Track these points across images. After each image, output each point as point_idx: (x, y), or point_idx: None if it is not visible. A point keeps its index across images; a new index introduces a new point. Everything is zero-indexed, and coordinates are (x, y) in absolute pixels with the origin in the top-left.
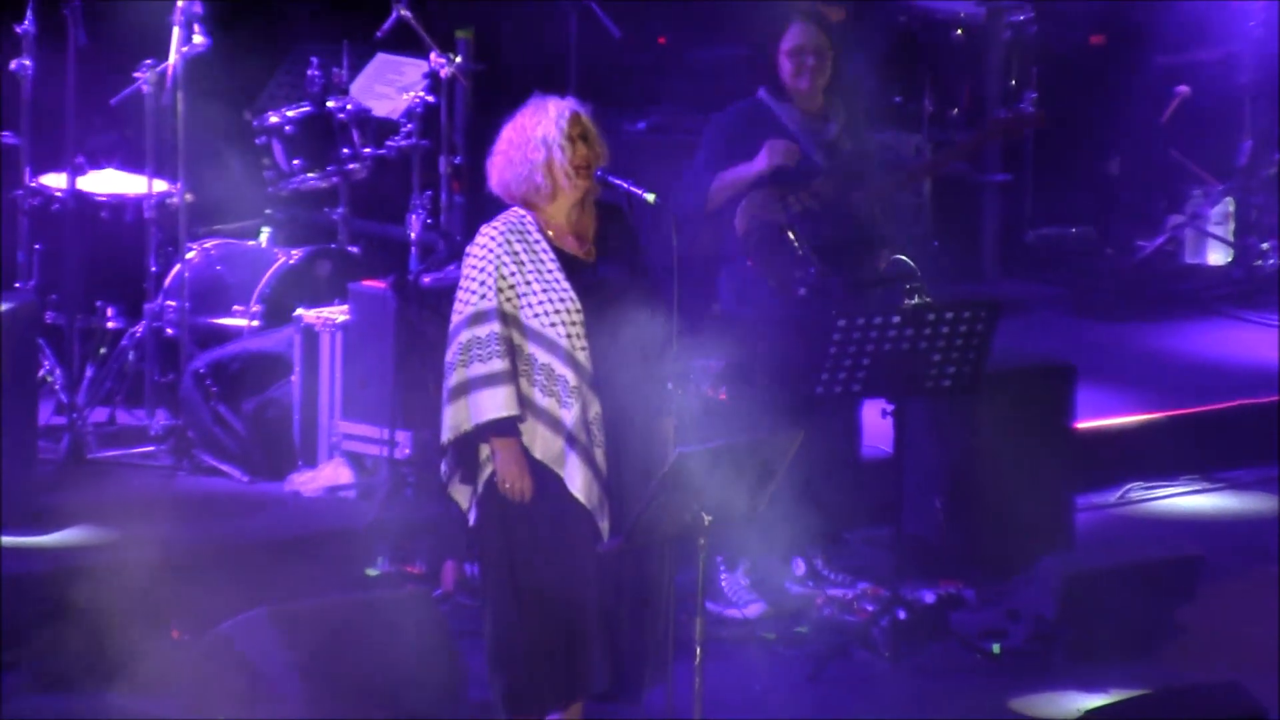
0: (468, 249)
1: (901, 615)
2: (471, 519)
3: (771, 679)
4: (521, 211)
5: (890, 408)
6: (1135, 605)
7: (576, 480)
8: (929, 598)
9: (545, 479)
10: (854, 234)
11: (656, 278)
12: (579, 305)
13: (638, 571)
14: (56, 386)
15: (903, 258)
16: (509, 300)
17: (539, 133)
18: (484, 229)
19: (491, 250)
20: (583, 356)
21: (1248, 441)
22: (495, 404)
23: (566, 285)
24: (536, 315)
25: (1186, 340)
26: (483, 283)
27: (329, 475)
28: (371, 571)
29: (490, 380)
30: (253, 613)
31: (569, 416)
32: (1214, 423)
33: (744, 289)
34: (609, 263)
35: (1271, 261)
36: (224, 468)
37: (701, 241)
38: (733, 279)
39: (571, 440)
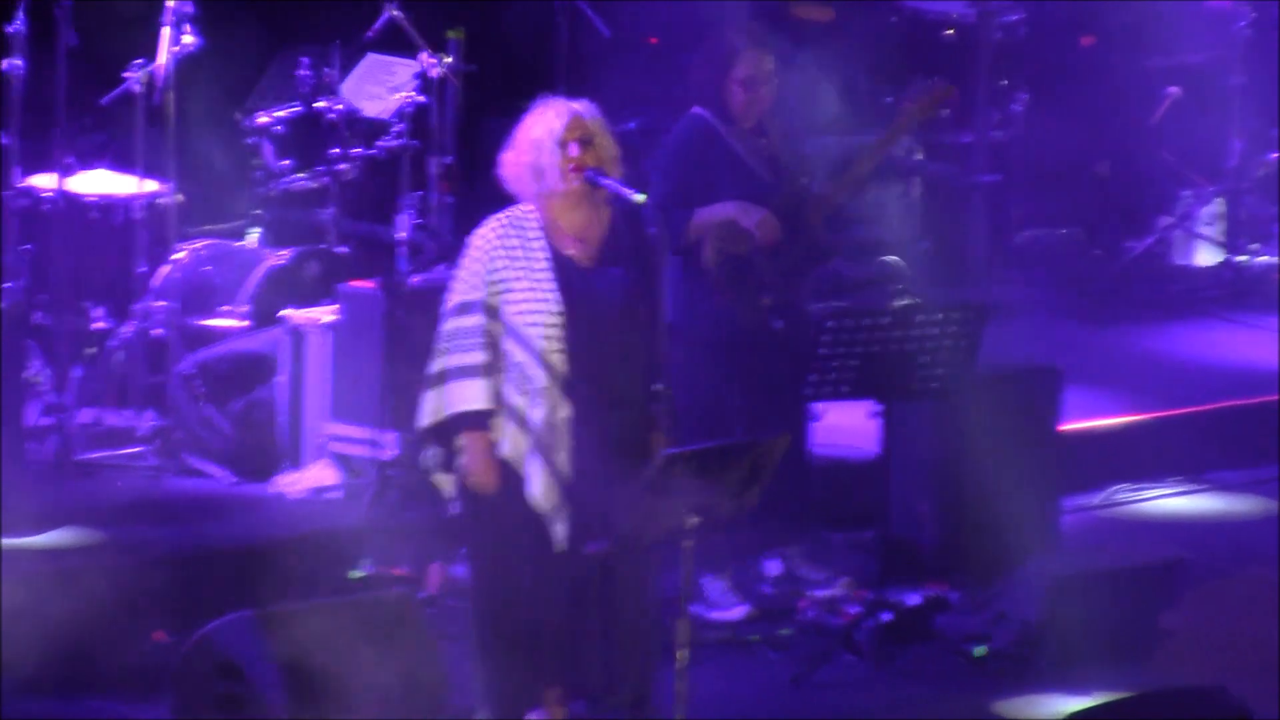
0: (469, 237)
1: (886, 618)
2: (455, 507)
3: (755, 682)
4: (529, 207)
5: (878, 409)
6: (1120, 608)
7: (535, 483)
8: (914, 600)
9: (512, 477)
10: (810, 249)
11: (658, 288)
12: (560, 308)
13: (617, 573)
14: (44, 387)
15: (893, 258)
16: (495, 295)
17: (534, 134)
18: (488, 220)
19: (488, 242)
20: (557, 359)
21: (1234, 443)
22: (467, 396)
23: (552, 286)
24: (519, 313)
25: (1175, 342)
26: (474, 273)
27: (315, 477)
28: (357, 574)
29: (465, 372)
30: (237, 614)
31: (536, 417)
32: (1201, 424)
33: (717, 314)
34: (609, 269)
35: (1260, 262)
36: (211, 469)
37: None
38: (700, 305)
39: (536, 442)
